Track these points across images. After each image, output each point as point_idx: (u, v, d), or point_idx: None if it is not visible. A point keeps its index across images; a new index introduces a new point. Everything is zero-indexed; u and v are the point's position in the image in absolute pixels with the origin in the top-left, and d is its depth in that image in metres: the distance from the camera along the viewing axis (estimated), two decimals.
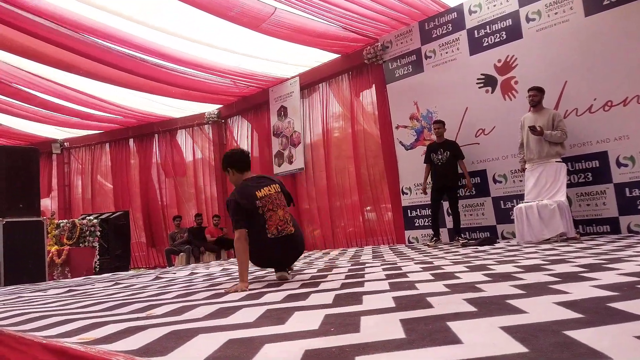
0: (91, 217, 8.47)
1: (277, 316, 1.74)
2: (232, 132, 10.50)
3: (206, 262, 8.22)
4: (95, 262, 7.87)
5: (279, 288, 2.71)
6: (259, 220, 3.00)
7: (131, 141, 11.49)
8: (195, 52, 7.33)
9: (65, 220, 8.33)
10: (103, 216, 8.80)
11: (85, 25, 6.19)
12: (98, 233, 7.95)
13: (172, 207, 10.89)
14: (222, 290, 2.84)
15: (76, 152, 12.17)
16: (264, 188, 3.12)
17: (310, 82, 8.69)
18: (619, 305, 1.40)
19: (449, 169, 5.98)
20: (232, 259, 8.12)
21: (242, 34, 6.74)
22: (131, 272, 7.01)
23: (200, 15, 6.03)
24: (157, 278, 4.76)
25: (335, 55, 8.07)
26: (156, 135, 11.18)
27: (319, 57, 8.17)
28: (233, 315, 1.85)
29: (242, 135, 10.27)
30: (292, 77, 8.85)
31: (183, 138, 11.04)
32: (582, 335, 1.10)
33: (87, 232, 7.92)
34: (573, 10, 5.45)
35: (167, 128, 11.00)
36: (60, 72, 7.59)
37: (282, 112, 9.04)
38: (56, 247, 7.62)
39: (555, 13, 5.59)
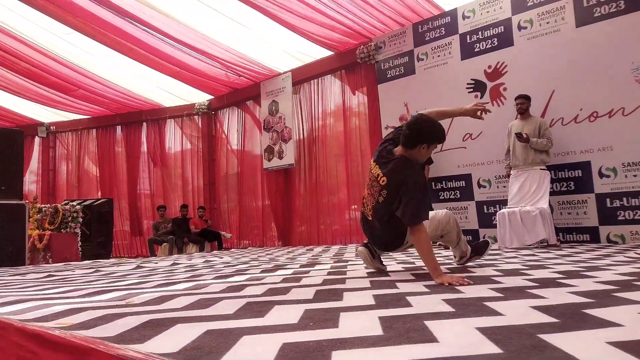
0: (74, 203, 8.36)
1: (257, 309, 1.74)
2: (222, 124, 10.45)
3: (189, 253, 8.18)
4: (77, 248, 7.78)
5: (260, 281, 2.72)
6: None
7: (119, 128, 11.37)
8: (187, 23, 7.31)
9: (47, 205, 8.21)
10: (86, 202, 8.70)
11: None
12: (80, 219, 7.85)
13: (158, 196, 10.81)
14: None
15: (62, 136, 12.00)
16: (376, 166, 2.71)
17: (302, 79, 8.68)
18: (593, 312, 1.43)
19: None
20: (215, 251, 8.10)
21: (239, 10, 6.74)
22: (113, 260, 6.96)
23: None
24: (138, 267, 4.73)
25: (328, 53, 8.07)
26: (144, 123, 11.07)
27: (312, 53, 8.17)
28: (213, 307, 1.85)
29: (232, 127, 10.23)
30: (285, 73, 8.83)
31: (172, 128, 10.95)
32: (556, 339, 1.13)
33: (70, 218, 7.81)
34: (564, 21, 5.53)
35: (155, 117, 10.90)
36: (44, 34, 7.45)
37: (274, 106, 9.02)
38: (37, 231, 7.51)
39: (547, 22, 5.66)
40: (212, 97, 10.32)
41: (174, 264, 4.96)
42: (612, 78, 5.15)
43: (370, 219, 2.74)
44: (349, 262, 3.90)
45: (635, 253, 3.73)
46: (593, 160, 5.28)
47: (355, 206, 7.92)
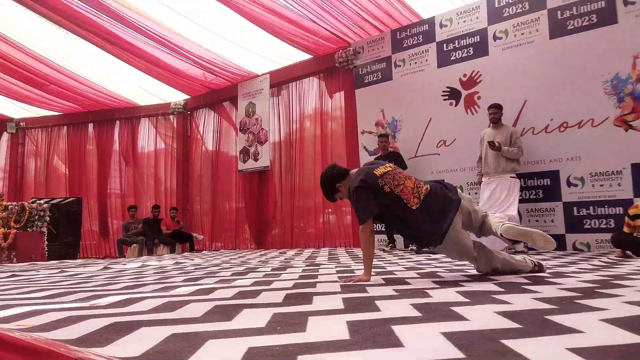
0: (42, 201, 8.13)
1: (225, 312, 1.73)
2: (197, 125, 10.33)
3: (160, 254, 8.04)
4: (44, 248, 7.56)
5: (230, 285, 2.69)
6: (395, 200, 2.69)
7: (90, 126, 11.11)
8: (165, 22, 7.22)
9: (14, 203, 7.96)
10: (54, 201, 8.46)
11: None
12: (47, 218, 7.63)
13: (129, 196, 10.59)
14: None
15: (32, 133, 11.65)
16: (379, 167, 2.85)
17: (280, 81, 8.66)
18: (556, 318, 1.46)
19: None
20: (186, 253, 7.99)
21: (217, 13, 6.69)
22: (80, 261, 6.78)
23: None
24: (105, 268, 4.63)
25: (307, 56, 8.08)
26: (117, 122, 10.85)
27: (290, 56, 8.17)
28: (180, 310, 1.82)
29: (208, 128, 10.13)
30: (263, 75, 8.80)
31: (146, 127, 10.77)
32: (518, 345, 1.15)
33: (37, 217, 7.59)
34: (539, 32, 5.67)
35: (129, 115, 10.70)
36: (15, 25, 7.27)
37: (251, 108, 8.98)
38: (2, 230, 7.27)
39: (522, 33, 5.79)
40: (189, 96, 10.19)
41: (143, 265, 4.87)
42: (583, 90, 5.31)
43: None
44: (321, 266, 3.91)
45: (599, 261, 3.84)
46: (562, 170, 5.42)
47: (330, 210, 7.93)
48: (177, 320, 1.62)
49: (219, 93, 9.67)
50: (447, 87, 6.38)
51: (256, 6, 6.48)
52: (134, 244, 8.59)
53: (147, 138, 10.77)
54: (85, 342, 1.29)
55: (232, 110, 9.64)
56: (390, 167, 2.89)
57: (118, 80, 9.50)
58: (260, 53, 8.12)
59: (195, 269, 4.13)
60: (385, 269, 3.48)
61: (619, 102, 5.08)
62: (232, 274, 3.41)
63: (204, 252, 8.39)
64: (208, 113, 10.17)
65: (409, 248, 6.07)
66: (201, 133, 10.23)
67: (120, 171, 10.81)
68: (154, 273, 3.81)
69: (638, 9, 4.99)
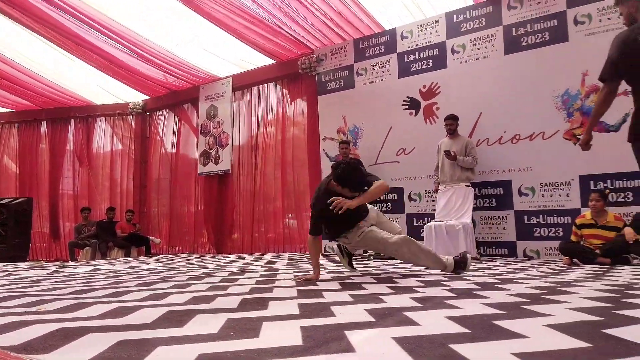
0: None
1: (177, 318, 1.70)
2: (156, 126, 10.09)
3: (113, 258, 7.79)
4: None
5: (185, 289, 2.64)
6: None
7: (44, 124, 10.64)
8: (124, 22, 7.03)
9: None
10: (3, 201, 8.08)
11: None
12: None
13: (83, 198, 10.21)
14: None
15: None
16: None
17: (243, 85, 8.61)
18: (503, 323, 1.52)
19: None
20: (141, 257, 7.78)
21: (178, 14, 6.58)
22: (29, 264, 6.48)
23: None
24: (55, 272, 4.45)
25: (270, 61, 8.06)
26: (72, 120, 10.46)
27: (254, 60, 8.13)
28: (130, 315, 1.77)
29: (168, 130, 9.92)
30: (225, 78, 8.72)
31: (102, 126, 10.43)
32: (465, 350, 1.19)
33: None
34: (494, 48, 5.88)
35: (85, 114, 10.34)
36: None
37: (212, 111, 8.86)
38: None
39: (478, 48, 5.99)
40: (148, 97, 9.95)
41: (95, 269, 4.71)
42: (535, 104, 5.54)
43: None
44: (280, 271, 3.89)
45: (547, 268, 4.01)
46: (514, 179, 5.64)
47: (292, 214, 7.92)
48: (126, 326, 1.58)
49: (180, 94, 9.50)
50: (408, 97, 6.51)
51: (219, 6, 6.42)
52: (87, 247, 8.28)
53: (103, 138, 10.42)
54: (28, 349, 1.25)
55: (192, 112, 9.49)
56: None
57: (74, 78, 9.15)
58: (223, 56, 8.03)
59: (150, 273, 4.03)
60: (343, 274, 3.51)
61: (569, 117, 5.33)
62: (188, 279, 3.34)
63: (161, 256, 8.20)
64: (168, 114, 9.97)
65: (367, 253, 6.12)
66: (160, 134, 10.00)
67: (73, 171, 10.41)
68: (106, 277, 3.69)
69: (587, 28, 5.27)
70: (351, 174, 3.09)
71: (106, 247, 8.30)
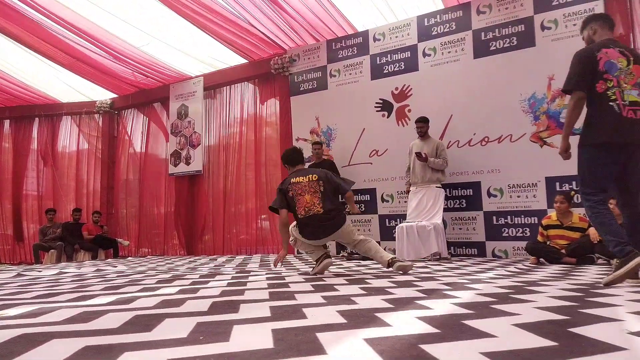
0: None
1: (145, 323, 1.65)
2: (125, 125, 9.87)
3: (80, 261, 7.58)
4: None
5: (154, 293, 2.58)
6: (292, 203, 3.68)
7: (7, 123, 10.25)
8: (90, 17, 6.83)
9: None
10: None
11: None
12: None
13: (48, 199, 9.90)
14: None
15: None
16: (300, 177, 3.71)
17: (214, 84, 8.51)
18: (471, 323, 1.54)
19: None
20: (109, 260, 7.60)
21: (148, 9, 6.46)
22: None
23: None
24: (19, 275, 4.30)
25: (242, 60, 7.99)
26: (37, 119, 10.12)
27: (226, 60, 8.05)
28: (96, 320, 1.72)
29: (137, 129, 9.71)
30: (196, 77, 8.60)
31: (68, 125, 10.13)
32: (435, 349, 1.19)
33: None
34: (464, 52, 5.99)
35: (50, 112, 10.02)
36: None
37: (183, 110, 8.73)
38: None
39: (449, 52, 6.09)
40: (116, 95, 9.71)
41: (60, 272, 4.57)
42: (503, 107, 5.67)
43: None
44: (252, 273, 3.86)
45: (515, 267, 4.10)
46: (483, 181, 5.75)
47: (265, 216, 7.87)
48: (92, 331, 1.53)
49: (149, 93, 9.32)
50: (380, 99, 6.57)
51: (191, 2, 6.32)
52: (52, 250, 8.03)
53: (69, 137, 10.12)
54: None
55: (162, 112, 9.32)
56: (308, 180, 3.69)
57: (38, 74, 8.85)
58: (194, 54, 7.91)
59: (117, 276, 3.93)
60: (315, 275, 3.50)
61: (535, 120, 5.48)
62: (157, 282, 3.27)
63: (129, 258, 8.02)
64: (137, 113, 9.76)
65: (340, 254, 6.15)
66: (129, 134, 9.78)
67: (38, 171, 10.08)
68: (72, 281, 3.58)
69: (554, 34, 5.43)
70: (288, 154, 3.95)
71: (72, 250, 8.07)
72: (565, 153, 2.87)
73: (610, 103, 2.70)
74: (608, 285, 2.54)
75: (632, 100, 2.69)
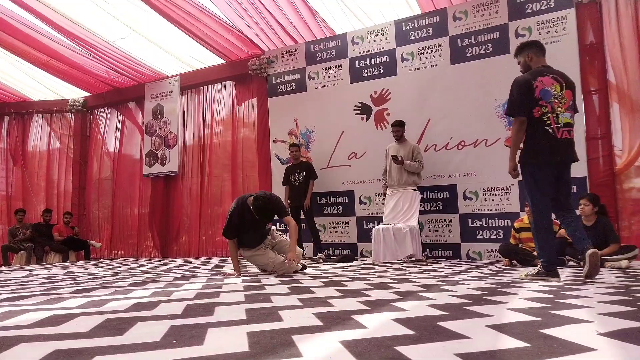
0: None
1: (116, 326, 1.61)
2: (98, 124, 9.65)
3: (50, 263, 7.38)
4: None
5: (126, 296, 2.53)
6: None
7: None
8: (63, 11, 6.66)
9: None
10: None
11: None
12: None
13: (17, 199, 9.61)
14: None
15: None
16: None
17: (191, 84, 8.40)
18: (446, 325, 1.55)
19: (304, 188, 6.25)
20: (80, 262, 7.42)
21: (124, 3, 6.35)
22: None
23: None
24: None
25: (219, 61, 7.92)
26: (6, 117, 9.82)
27: (203, 59, 7.97)
28: (66, 324, 1.67)
29: (110, 129, 9.51)
30: (173, 76, 8.49)
31: (39, 124, 9.86)
32: (410, 351, 1.20)
33: None
34: (441, 57, 6.07)
35: (20, 110, 9.74)
36: None
37: (159, 110, 8.59)
38: None
39: (427, 57, 6.16)
40: (89, 94, 9.50)
41: (30, 274, 4.45)
42: (478, 112, 5.76)
43: None
44: (227, 275, 3.82)
45: (488, 269, 4.17)
46: (459, 184, 5.84)
47: None
48: (61, 335, 1.49)
49: (124, 92, 9.14)
50: (359, 102, 6.60)
51: (170, 6, 6.25)
52: (21, 251, 7.80)
53: (40, 136, 9.84)
54: None
55: (137, 111, 9.15)
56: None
57: (8, 71, 8.60)
58: (170, 50, 7.79)
59: (88, 279, 3.84)
60: (291, 277, 3.49)
61: (509, 125, 5.57)
62: (130, 285, 3.21)
63: (101, 260, 7.84)
64: (111, 112, 9.56)
65: (317, 256, 6.15)
66: (102, 133, 9.58)
67: (7, 171, 9.77)
68: (42, 283, 3.48)
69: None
70: (265, 208, 3.75)
71: (42, 252, 7.86)
72: (514, 172, 3.20)
73: (546, 127, 3.04)
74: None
75: (566, 122, 3.05)
